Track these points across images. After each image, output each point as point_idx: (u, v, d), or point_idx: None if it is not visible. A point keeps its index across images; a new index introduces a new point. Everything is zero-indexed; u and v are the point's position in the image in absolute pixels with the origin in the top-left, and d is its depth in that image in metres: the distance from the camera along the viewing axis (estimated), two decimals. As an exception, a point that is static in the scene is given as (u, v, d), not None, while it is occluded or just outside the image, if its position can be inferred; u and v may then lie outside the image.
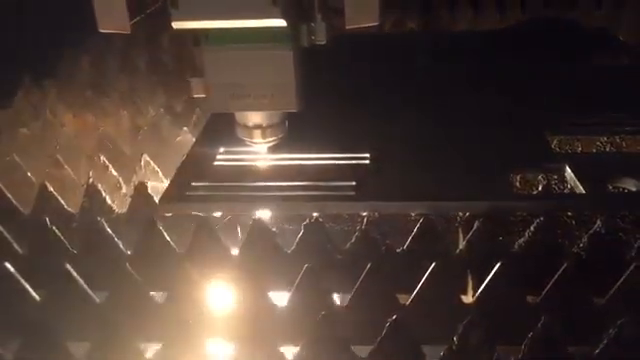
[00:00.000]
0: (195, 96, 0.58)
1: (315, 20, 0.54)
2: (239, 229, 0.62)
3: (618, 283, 0.51)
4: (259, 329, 0.51)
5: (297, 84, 0.56)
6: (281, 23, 0.51)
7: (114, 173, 0.72)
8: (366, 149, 0.66)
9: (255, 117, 0.59)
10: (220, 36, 0.54)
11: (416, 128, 0.71)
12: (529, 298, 0.53)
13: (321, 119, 0.61)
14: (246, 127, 0.60)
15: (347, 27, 0.54)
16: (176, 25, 0.52)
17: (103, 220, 0.60)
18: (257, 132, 0.60)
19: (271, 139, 0.60)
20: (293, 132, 0.62)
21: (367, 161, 0.65)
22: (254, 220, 0.59)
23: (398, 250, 0.58)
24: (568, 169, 0.63)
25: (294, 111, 0.57)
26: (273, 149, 0.65)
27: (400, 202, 0.59)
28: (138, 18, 0.55)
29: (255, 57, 0.55)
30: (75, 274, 0.53)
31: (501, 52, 0.94)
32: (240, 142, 0.68)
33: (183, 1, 0.50)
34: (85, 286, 0.54)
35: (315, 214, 0.58)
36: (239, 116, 0.60)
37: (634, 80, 0.85)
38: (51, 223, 0.61)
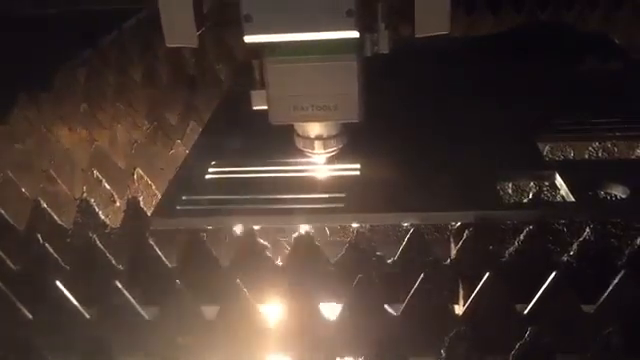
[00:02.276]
0: (256, 108, 0.59)
1: (378, 30, 0.55)
2: (229, 242, 0.63)
3: (607, 291, 0.51)
4: (249, 342, 0.52)
5: (360, 94, 0.56)
6: (354, 35, 0.52)
7: (107, 187, 0.72)
8: (356, 160, 0.66)
9: (317, 128, 0.60)
10: (285, 48, 0.55)
11: (405, 137, 0.71)
12: (519, 307, 0.53)
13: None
14: (307, 138, 0.60)
15: (416, 36, 0.54)
16: (248, 39, 0.53)
17: (95, 236, 0.60)
18: (318, 143, 0.60)
19: (331, 150, 0.61)
20: (285, 143, 0.63)
21: (357, 172, 0.65)
22: (245, 233, 0.59)
23: (389, 261, 0.58)
24: (558, 176, 0.63)
25: (356, 121, 0.58)
26: (266, 162, 0.66)
27: (390, 213, 0.59)
28: (200, 31, 0.56)
29: (320, 68, 0.56)
30: (65, 291, 0.54)
31: (493, 57, 0.94)
32: (231, 156, 0.69)
33: (258, 15, 0.52)
34: (75, 302, 0.54)
35: (305, 226, 0.58)
36: (299, 127, 0.60)
37: (627, 84, 0.85)
38: (44, 239, 0.61)
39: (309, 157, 0.62)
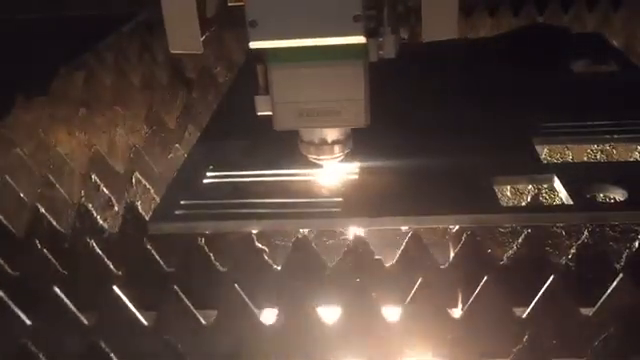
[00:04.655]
0: (260, 114, 0.58)
1: (384, 34, 0.55)
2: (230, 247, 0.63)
3: (606, 294, 0.51)
4: (248, 348, 0.52)
5: (366, 100, 0.56)
6: (361, 40, 0.51)
7: (106, 192, 0.72)
8: (354, 163, 0.66)
9: (322, 133, 0.59)
10: (290, 53, 0.54)
11: (402, 140, 0.71)
12: (517, 310, 0.53)
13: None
14: (312, 144, 0.60)
15: (424, 40, 0.54)
16: (253, 45, 0.52)
17: (93, 241, 0.60)
18: (324, 148, 0.60)
19: (337, 155, 0.61)
20: (283, 148, 0.63)
21: (355, 176, 0.65)
22: (243, 238, 0.59)
23: (387, 265, 0.58)
24: (557, 179, 0.63)
25: (362, 127, 0.57)
26: (264, 166, 0.66)
27: (388, 217, 0.59)
28: (204, 37, 0.56)
29: (325, 73, 0.55)
30: (63, 296, 0.54)
31: (491, 59, 0.94)
32: (229, 160, 0.69)
33: (262, 20, 0.51)
34: (73, 307, 0.54)
35: (303, 230, 0.58)
36: (304, 133, 0.60)
37: (625, 86, 0.84)
38: (42, 244, 0.61)
39: (309, 162, 0.62)
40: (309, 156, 0.61)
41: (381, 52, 0.55)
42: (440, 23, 0.53)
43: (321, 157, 0.60)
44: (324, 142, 0.59)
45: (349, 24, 0.50)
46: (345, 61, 0.54)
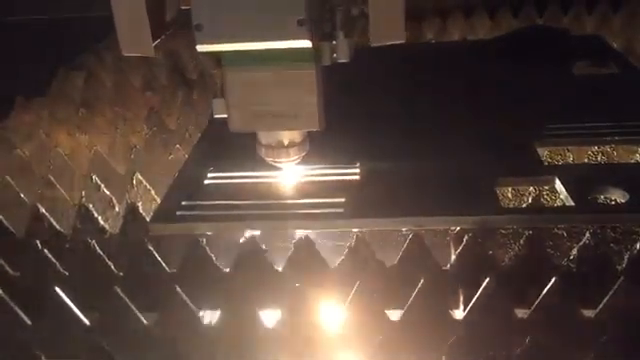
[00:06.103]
0: (217, 116, 0.59)
1: (337, 38, 0.55)
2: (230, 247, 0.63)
3: (608, 296, 0.51)
4: (249, 348, 0.51)
5: (319, 103, 0.56)
6: (307, 44, 0.51)
7: (107, 192, 0.72)
8: (355, 164, 0.66)
9: (279, 136, 0.59)
10: (242, 57, 0.54)
11: (404, 141, 0.71)
12: (519, 312, 0.53)
13: (309, 134, 0.61)
14: (269, 146, 0.60)
15: (372, 45, 0.54)
16: (200, 48, 0.52)
17: (94, 242, 0.60)
18: (281, 151, 0.60)
19: (294, 158, 0.61)
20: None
21: (357, 177, 0.65)
22: (245, 239, 0.59)
23: (388, 266, 0.58)
24: (558, 181, 0.63)
25: (317, 130, 0.58)
26: (263, 167, 0.66)
27: (390, 218, 0.59)
28: (159, 40, 0.55)
29: (278, 77, 0.55)
30: (65, 296, 0.53)
31: (491, 61, 0.94)
32: (230, 161, 0.69)
33: (208, 24, 0.51)
34: (75, 308, 0.54)
35: (305, 232, 0.58)
36: (261, 135, 0.60)
37: (625, 88, 0.85)
38: (42, 245, 0.61)
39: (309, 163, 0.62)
40: (266, 159, 0.61)
41: (335, 56, 0.55)
42: (387, 27, 0.53)
43: (277, 160, 0.60)
44: (280, 145, 0.60)
45: (294, 28, 0.50)
46: (296, 65, 0.55)
